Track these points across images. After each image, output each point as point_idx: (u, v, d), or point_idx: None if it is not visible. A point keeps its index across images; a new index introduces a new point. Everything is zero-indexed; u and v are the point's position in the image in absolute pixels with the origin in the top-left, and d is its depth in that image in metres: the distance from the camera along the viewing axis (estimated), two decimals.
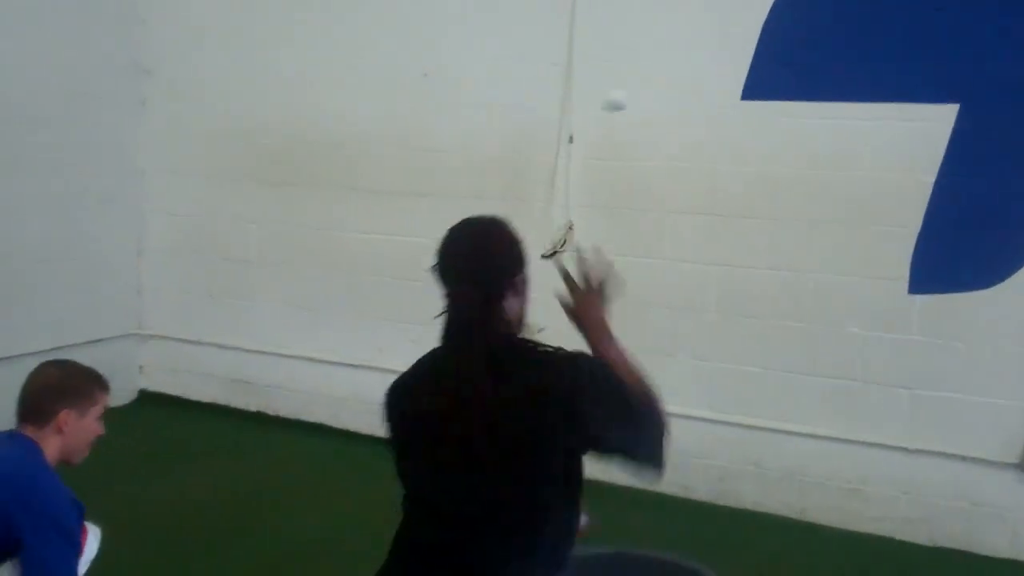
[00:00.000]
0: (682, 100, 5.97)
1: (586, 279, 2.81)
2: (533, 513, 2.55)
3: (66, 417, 3.17)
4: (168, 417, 7.31)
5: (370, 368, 6.59)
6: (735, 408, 5.97)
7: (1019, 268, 5.27)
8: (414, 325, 6.55)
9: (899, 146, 5.51)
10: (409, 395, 2.69)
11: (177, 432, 7.02)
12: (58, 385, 3.23)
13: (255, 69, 7.25)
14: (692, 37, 5.93)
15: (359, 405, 6.75)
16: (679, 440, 6.21)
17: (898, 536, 5.64)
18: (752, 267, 5.87)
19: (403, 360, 2.78)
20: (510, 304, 2.64)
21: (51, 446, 3.16)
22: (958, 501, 5.53)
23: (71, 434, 3.19)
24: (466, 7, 6.56)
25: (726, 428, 5.98)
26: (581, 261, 2.83)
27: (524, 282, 2.71)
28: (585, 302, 2.81)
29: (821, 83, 5.61)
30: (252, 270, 7.39)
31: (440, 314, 2.62)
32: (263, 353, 7.33)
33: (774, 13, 5.59)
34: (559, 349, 2.60)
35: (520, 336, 2.68)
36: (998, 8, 5.22)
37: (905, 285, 5.52)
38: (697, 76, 5.91)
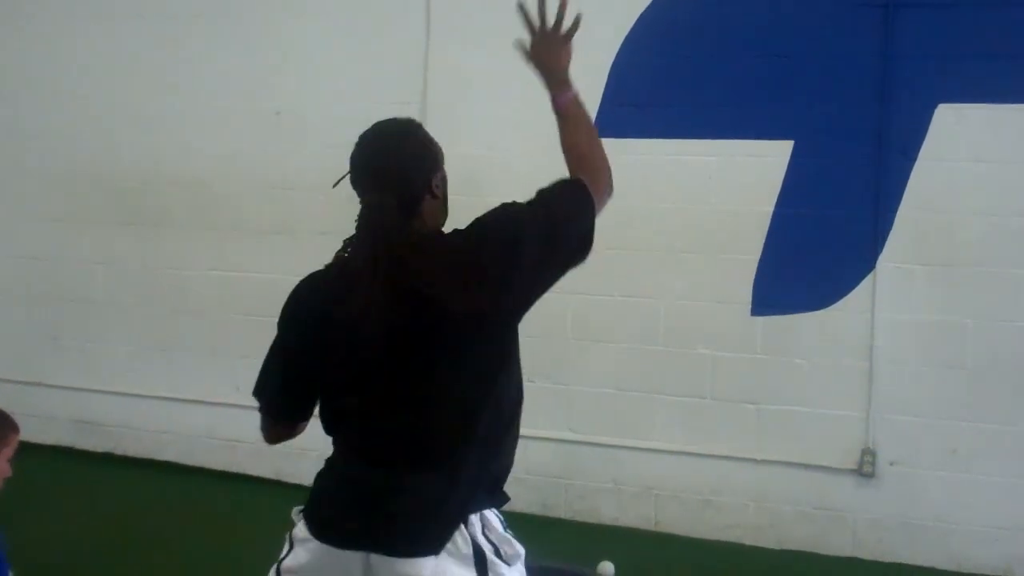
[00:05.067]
0: (535, 138, 6.07)
1: (543, 20, 2.71)
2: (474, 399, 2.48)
3: None
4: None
5: (227, 405, 6.59)
6: (593, 429, 6.14)
7: (852, 289, 5.62)
8: None
9: (740, 179, 5.78)
10: (323, 303, 2.53)
11: (20, 475, 6.77)
12: None
13: (102, 108, 7.10)
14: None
15: (214, 442, 6.77)
16: (539, 462, 6.38)
17: (748, 542, 5.89)
18: (606, 295, 6.04)
19: None
20: (428, 206, 2.54)
21: None
22: (803, 506, 5.81)
23: None
24: (318, 46, 6.58)
25: (585, 448, 6.16)
26: (540, 3, 2.70)
27: (442, 182, 2.60)
28: (545, 43, 2.73)
29: (667, 122, 5.87)
30: (99, 311, 7.22)
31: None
32: (111, 393, 7.16)
33: (621, 55, 5.86)
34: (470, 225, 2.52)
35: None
36: (828, 55, 5.62)
37: (748, 308, 5.84)
38: (547, 115, 6.11)
